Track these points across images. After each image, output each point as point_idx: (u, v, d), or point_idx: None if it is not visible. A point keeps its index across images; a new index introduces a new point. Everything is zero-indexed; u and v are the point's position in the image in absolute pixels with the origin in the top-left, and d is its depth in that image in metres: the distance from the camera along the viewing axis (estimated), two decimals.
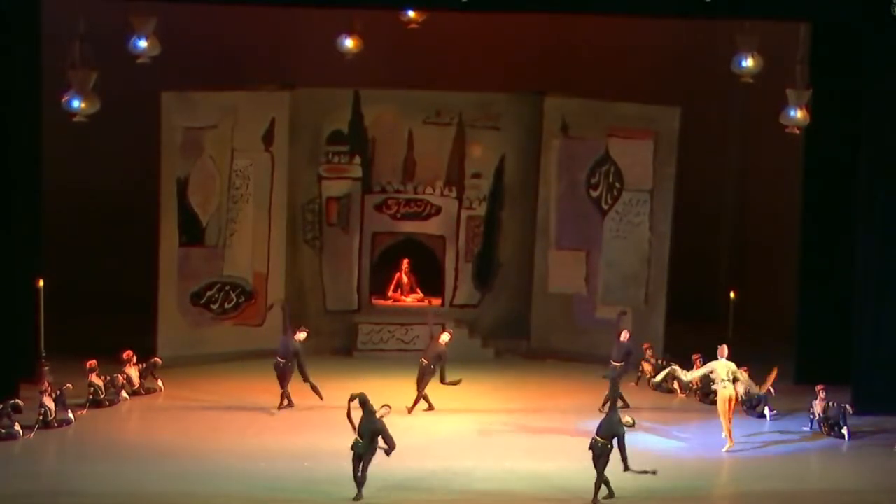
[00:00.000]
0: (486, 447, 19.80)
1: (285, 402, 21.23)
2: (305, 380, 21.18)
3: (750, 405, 21.61)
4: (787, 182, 24.41)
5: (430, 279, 25.28)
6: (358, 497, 17.68)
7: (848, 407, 20.74)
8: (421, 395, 21.15)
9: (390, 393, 20.51)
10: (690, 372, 20.98)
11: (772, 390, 21.42)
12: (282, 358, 21.15)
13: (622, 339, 21.42)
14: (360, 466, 17.71)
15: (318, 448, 19.23)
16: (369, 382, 21.98)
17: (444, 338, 21.34)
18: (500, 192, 25.00)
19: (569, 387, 22.38)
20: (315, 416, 20.73)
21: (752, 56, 21.50)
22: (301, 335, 21.32)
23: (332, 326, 24.59)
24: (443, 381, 21.23)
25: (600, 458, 17.76)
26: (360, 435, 17.70)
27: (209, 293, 23.70)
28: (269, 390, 21.66)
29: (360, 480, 17.68)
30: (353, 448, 17.74)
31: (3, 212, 21.38)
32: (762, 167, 26.26)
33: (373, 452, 17.73)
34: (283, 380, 21.18)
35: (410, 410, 20.99)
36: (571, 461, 18.90)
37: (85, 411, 20.85)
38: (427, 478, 18.49)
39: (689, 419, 21.49)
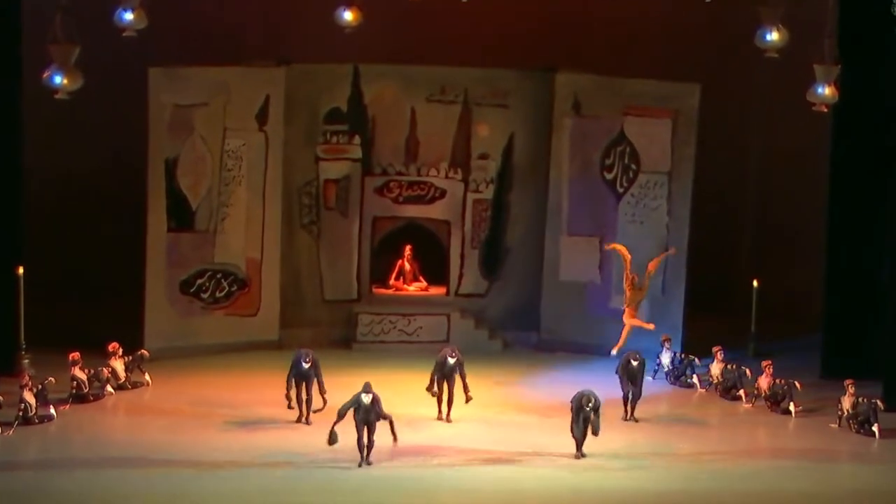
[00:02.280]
0: (494, 445, 19.70)
1: (304, 410, 20.52)
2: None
3: (774, 401, 21.58)
4: (814, 163, 24.39)
5: (433, 267, 25.25)
6: (363, 463, 18.35)
7: (878, 403, 20.63)
8: (451, 397, 20.66)
9: (392, 387, 20.45)
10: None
11: (797, 385, 21.34)
12: (306, 362, 20.48)
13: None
14: (367, 432, 18.43)
15: (314, 446, 19.12)
16: (370, 376, 21.78)
17: (450, 360, 20.59)
18: (508, 174, 24.96)
19: (581, 381, 22.15)
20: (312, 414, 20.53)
21: (777, 29, 21.30)
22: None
23: (331, 317, 24.57)
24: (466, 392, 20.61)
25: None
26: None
27: (199, 281, 23.63)
28: (263, 384, 21.57)
29: (368, 446, 18.31)
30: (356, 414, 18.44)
31: None
32: (787, 147, 26.21)
33: (377, 417, 18.47)
34: (308, 388, 20.49)
35: (448, 417, 20.65)
36: (584, 460, 18.95)
37: (67, 407, 20.80)
38: (432, 477, 18.45)
39: (708, 416, 21.46)
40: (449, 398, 20.66)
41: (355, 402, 18.57)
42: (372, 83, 24.53)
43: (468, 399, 20.63)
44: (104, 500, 17.53)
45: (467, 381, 20.59)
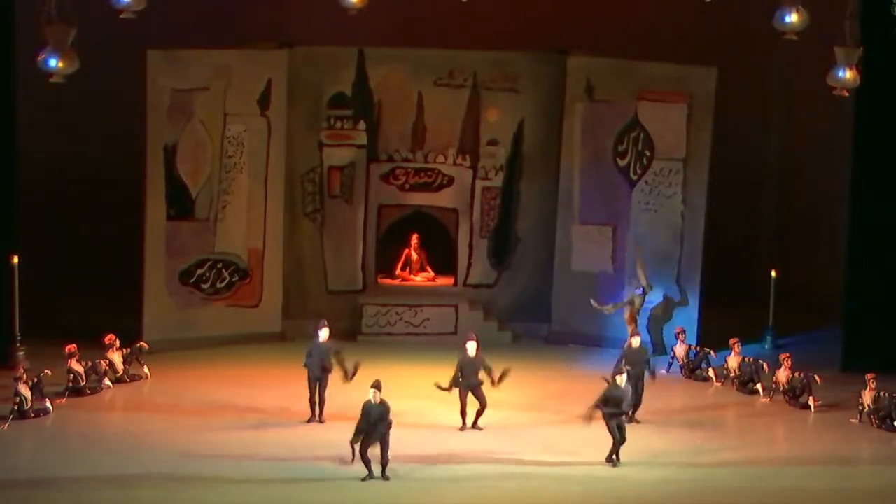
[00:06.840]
0: (503, 441, 19.73)
1: (318, 411, 20.41)
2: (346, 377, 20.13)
3: (793, 395, 21.57)
4: (835, 149, 24.38)
5: (441, 256, 25.31)
6: (383, 476, 18.07)
7: None
8: (463, 410, 20.29)
9: (398, 381, 20.51)
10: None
11: (817, 379, 21.36)
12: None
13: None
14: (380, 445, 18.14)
15: (318, 443, 19.21)
16: (375, 369, 21.84)
17: (471, 347, 20.21)
18: (518, 160, 25.00)
19: (593, 374, 22.25)
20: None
21: (797, 10, 21.19)
22: (324, 332, 20.33)
23: (335, 308, 24.51)
24: (494, 382, 20.15)
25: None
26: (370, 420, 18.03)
27: (200, 271, 23.70)
28: (264, 377, 21.67)
29: (383, 461, 18.08)
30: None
31: None
32: (807, 133, 26.22)
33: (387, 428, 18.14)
34: (322, 389, 20.38)
35: (475, 424, 20.27)
36: (597, 456, 18.92)
37: (64, 400, 20.83)
38: (440, 474, 18.46)
39: (725, 411, 21.49)
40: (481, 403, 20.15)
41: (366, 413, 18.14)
42: (378, 66, 24.55)
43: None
44: (101, 496, 17.51)
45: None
